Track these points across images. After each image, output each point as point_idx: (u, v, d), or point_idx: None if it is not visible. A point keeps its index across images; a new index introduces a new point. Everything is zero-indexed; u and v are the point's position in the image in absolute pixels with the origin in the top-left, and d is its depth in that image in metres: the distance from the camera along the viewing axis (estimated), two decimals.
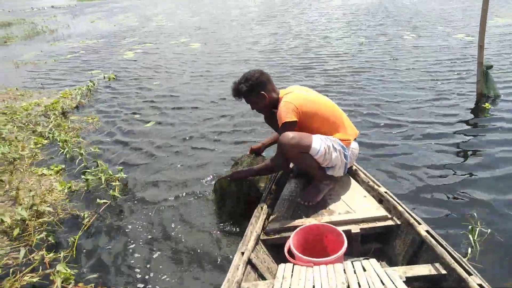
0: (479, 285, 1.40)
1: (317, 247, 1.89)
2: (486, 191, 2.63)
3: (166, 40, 10.17)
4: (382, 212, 2.03)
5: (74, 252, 2.34)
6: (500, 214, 2.38)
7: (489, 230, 2.16)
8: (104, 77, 6.78)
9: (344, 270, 1.59)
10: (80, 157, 3.39)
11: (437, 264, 1.61)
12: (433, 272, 1.59)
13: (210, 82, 5.99)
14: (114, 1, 26.70)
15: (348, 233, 1.91)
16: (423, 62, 6.03)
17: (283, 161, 2.21)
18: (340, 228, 1.87)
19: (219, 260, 2.19)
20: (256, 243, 1.94)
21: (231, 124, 4.27)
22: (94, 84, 6.12)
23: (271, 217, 2.16)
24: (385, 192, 2.13)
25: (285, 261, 1.74)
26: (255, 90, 2.29)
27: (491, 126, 3.68)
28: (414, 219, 1.86)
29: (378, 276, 1.51)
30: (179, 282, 2.07)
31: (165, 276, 2.11)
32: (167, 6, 20.27)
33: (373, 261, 1.64)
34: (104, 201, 2.81)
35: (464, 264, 1.52)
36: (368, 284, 1.47)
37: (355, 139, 2.37)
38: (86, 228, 2.56)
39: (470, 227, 2.11)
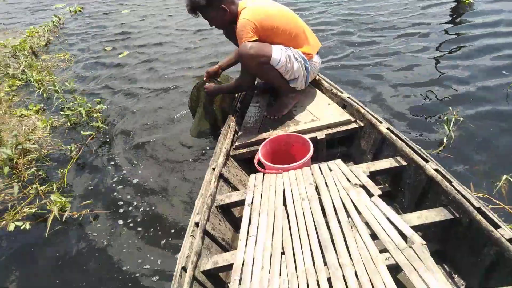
0: (435, 169, 1.49)
1: (286, 156, 1.93)
2: (463, 83, 2.69)
3: None
4: (346, 116, 2.06)
5: (65, 183, 2.43)
6: (474, 100, 2.48)
7: (461, 118, 2.26)
8: (70, 10, 6.36)
9: (311, 173, 1.65)
10: (56, 94, 3.33)
11: (398, 157, 1.68)
12: (394, 164, 1.66)
13: (177, 7, 5.67)
14: None
15: (314, 140, 1.96)
16: None
17: (249, 76, 2.16)
18: (306, 136, 1.91)
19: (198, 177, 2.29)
20: (227, 159, 1.99)
21: (202, 45, 4.15)
22: (60, 19, 5.77)
23: (239, 133, 2.18)
24: (348, 97, 2.14)
25: (256, 172, 1.79)
26: (214, 4, 2.05)
27: (470, 19, 3.62)
28: (376, 119, 1.89)
29: (343, 174, 1.59)
30: (162, 198, 2.20)
31: (151, 195, 2.24)
32: None
33: (338, 161, 1.71)
34: (89, 133, 2.84)
35: (422, 154, 1.59)
36: (334, 182, 1.55)
37: (317, 53, 2.29)
38: (75, 160, 2.63)
39: (445, 117, 2.19)
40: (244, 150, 2.07)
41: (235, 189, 1.91)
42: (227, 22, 2.15)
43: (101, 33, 5.18)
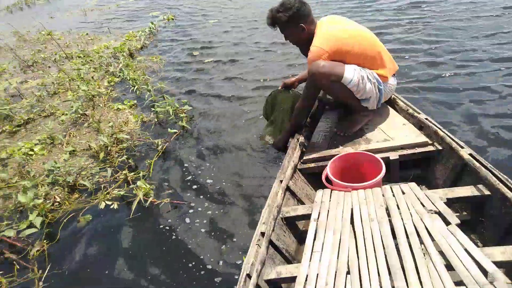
0: None
1: (355, 175, 1.87)
2: None
3: None
4: (422, 138, 1.96)
5: (151, 172, 2.65)
6: None
7: None
8: (164, 18, 6.95)
9: (382, 193, 1.57)
10: (148, 93, 3.66)
11: (480, 186, 1.55)
12: (476, 193, 1.53)
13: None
14: None
15: (386, 160, 1.87)
16: None
17: (313, 92, 2.13)
18: (378, 156, 1.84)
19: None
20: (294, 172, 1.97)
21: (290, 57, 4.26)
22: (155, 26, 6.32)
23: (308, 148, 2.16)
24: (426, 119, 2.03)
25: (324, 187, 1.76)
26: (294, 22, 2.08)
27: None
28: (457, 143, 1.78)
29: (418, 198, 1.49)
30: (231, 204, 2.27)
31: (220, 197, 2.33)
32: None
33: (412, 184, 1.60)
34: (175, 130, 3.07)
35: (509, 184, 1.46)
36: (407, 205, 1.46)
37: (394, 75, 2.24)
38: (161, 154, 2.86)
39: None
40: (312, 165, 2.06)
41: (300, 202, 1.91)
42: (303, 40, 2.16)
43: (190, 40, 5.57)
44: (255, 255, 1.43)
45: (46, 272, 2.01)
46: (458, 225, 1.32)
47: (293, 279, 1.33)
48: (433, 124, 1.98)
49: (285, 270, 1.41)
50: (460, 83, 3.09)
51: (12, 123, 3.64)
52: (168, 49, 5.36)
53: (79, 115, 3.52)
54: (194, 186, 2.47)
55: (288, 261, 1.62)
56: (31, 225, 2.24)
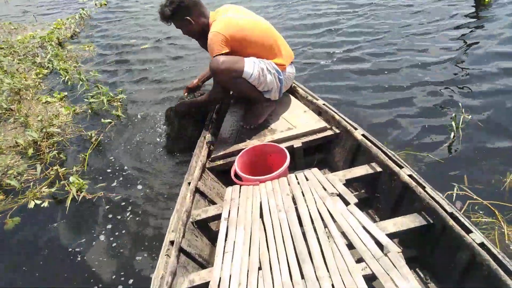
0: (409, 175, 1.50)
1: (262, 167, 1.91)
2: (476, 82, 2.68)
3: None
4: (321, 123, 2.05)
5: (86, 167, 2.54)
6: (484, 101, 2.47)
7: (470, 116, 2.28)
8: (96, 4, 6.56)
9: (288, 182, 1.64)
10: (81, 83, 3.47)
11: (373, 164, 1.68)
12: (370, 171, 1.66)
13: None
14: None
15: (290, 148, 1.94)
16: None
17: (221, 89, 2.15)
18: (283, 145, 1.91)
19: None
20: (203, 171, 1.95)
21: None
22: (86, 12, 5.95)
23: (215, 145, 2.16)
24: (323, 104, 2.13)
25: (233, 184, 1.77)
26: (179, 15, 2.08)
27: (489, 19, 3.57)
28: (351, 125, 1.90)
29: (320, 183, 1.58)
30: (141, 214, 2.12)
31: (135, 204, 2.19)
32: None
33: (315, 170, 1.70)
34: (109, 120, 2.94)
35: (396, 160, 1.60)
36: (311, 191, 1.54)
37: (291, 63, 2.28)
38: (95, 146, 2.73)
39: (453, 114, 2.19)
40: (221, 162, 2.05)
41: (212, 202, 1.87)
42: (194, 32, 2.16)
43: (124, 26, 5.32)
44: (164, 266, 1.38)
45: None
46: (356, 204, 1.43)
47: (207, 284, 1.30)
48: (330, 109, 2.07)
49: (198, 277, 1.38)
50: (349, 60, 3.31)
51: None
52: (101, 36, 5.08)
53: (4, 111, 3.25)
54: (123, 180, 2.39)
55: (203, 266, 1.58)
56: None
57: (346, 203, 1.44)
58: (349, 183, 1.64)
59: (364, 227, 1.30)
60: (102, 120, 2.93)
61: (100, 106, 3.17)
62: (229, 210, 1.58)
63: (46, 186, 2.39)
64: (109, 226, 2.06)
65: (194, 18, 2.09)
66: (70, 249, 1.96)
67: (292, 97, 2.38)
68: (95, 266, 1.84)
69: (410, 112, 2.52)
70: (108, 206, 2.19)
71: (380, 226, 1.37)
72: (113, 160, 2.58)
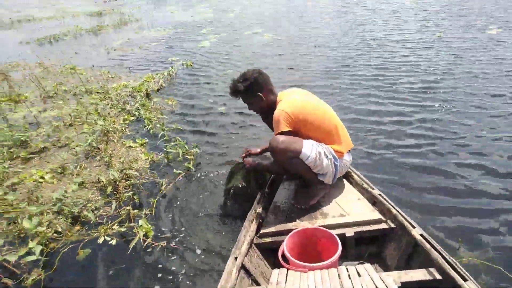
0: None
1: (312, 250, 1.88)
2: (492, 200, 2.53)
3: (239, 31, 10.56)
4: (376, 215, 2.00)
5: (154, 211, 2.72)
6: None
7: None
8: (183, 64, 7.33)
9: (338, 275, 1.57)
10: (161, 132, 3.82)
11: (432, 269, 1.58)
12: (428, 277, 1.56)
13: (280, 70, 6.21)
14: None
15: (342, 236, 1.90)
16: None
17: (280, 167, 2.22)
18: (334, 232, 1.86)
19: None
20: (250, 247, 1.91)
21: None
22: (174, 70, 6.67)
23: (265, 221, 2.14)
24: (379, 195, 2.09)
25: (280, 265, 1.72)
26: (252, 91, 2.23)
27: None
28: (408, 222, 1.83)
29: (373, 281, 1.50)
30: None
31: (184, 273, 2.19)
32: None
33: (367, 266, 1.62)
34: (179, 171, 3.17)
35: (459, 269, 1.50)
36: None
37: (349, 151, 2.32)
38: (164, 193, 2.94)
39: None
40: (269, 240, 2.01)
41: (255, 282, 1.80)
42: (262, 108, 2.31)
43: (206, 87, 5.85)
44: None
45: None
46: None
47: None
48: (386, 200, 2.02)
49: None
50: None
51: (27, 150, 3.78)
52: (184, 93, 5.62)
53: (92, 148, 3.66)
54: (191, 230, 2.52)
55: None
56: (29, 252, 2.27)
57: None
58: (404, 287, 1.54)
59: None
60: (174, 170, 3.17)
61: (175, 156, 3.44)
62: None
63: (117, 224, 2.58)
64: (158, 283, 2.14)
65: (264, 95, 2.24)
66: None
67: (346, 183, 2.37)
68: None
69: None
70: (164, 260, 2.30)
71: None
72: (177, 212, 2.74)
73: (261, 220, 2.15)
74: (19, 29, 14.26)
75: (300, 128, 2.13)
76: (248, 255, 1.86)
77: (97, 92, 5.61)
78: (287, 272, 1.65)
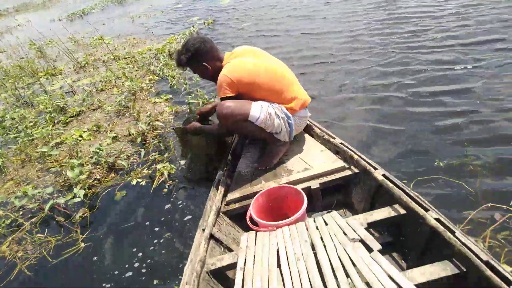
0: (436, 219, 1.41)
1: (280, 210, 1.85)
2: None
3: None
4: (339, 163, 1.99)
5: (175, 153, 2.97)
6: None
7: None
8: (204, 22, 7.37)
9: (306, 228, 1.55)
10: (184, 86, 4.01)
11: (396, 206, 1.60)
12: (393, 213, 1.58)
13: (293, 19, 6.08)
14: None
15: (308, 189, 1.88)
16: None
17: (225, 130, 2.18)
18: (300, 186, 1.86)
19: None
20: (217, 216, 1.88)
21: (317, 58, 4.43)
22: (195, 29, 6.74)
23: (231, 187, 2.10)
24: (341, 143, 2.07)
25: (250, 229, 1.69)
26: (196, 61, 2.14)
27: None
28: (371, 165, 1.82)
29: (340, 227, 1.49)
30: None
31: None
32: None
33: (334, 213, 1.61)
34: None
35: (421, 202, 1.51)
36: (331, 237, 1.45)
37: (306, 107, 2.24)
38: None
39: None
40: (236, 206, 1.98)
41: (228, 249, 1.77)
42: (210, 76, 2.22)
43: (225, 42, 5.90)
44: None
45: (86, 234, 2.36)
46: (381, 250, 1.33)
47: None
48: (348, 148, 2.01)
49: None
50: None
51: (66, 115, 4.14)
52: None
53: (122, 107, 3.93)
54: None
55: None
56: (75, 197, 2.59)
57: (369, 249, 1.34)
58: (371, 227, 1.58)
59: (390, 276, 1.20)
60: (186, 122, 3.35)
61: (197, 107, 3.62)
62: (245, 259, 1.49)
63: (146, 168, 2.85)
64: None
65: (210, 64, 2.15)
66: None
67: (308, 136, 2.34)
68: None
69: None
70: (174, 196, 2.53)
71: (408, 276, 1.28)
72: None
73: (226, 188, 2.12)
74: (51, 8, 14.79)
75: (247, 91, 2.08)
76: (217, 224, 1.84)
77: (124, 58, 5.86)
78: (256, 234, 1.63)
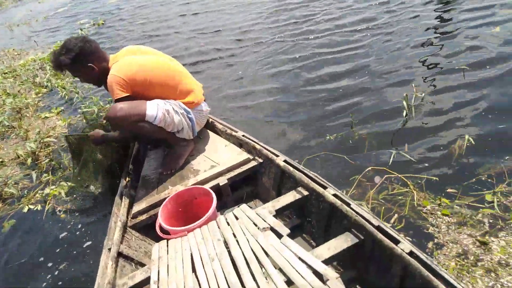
0: (334, 195, 1.50)
1: (191, 212, 1.79)
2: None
3: None
4: (244, 156, 2.00)
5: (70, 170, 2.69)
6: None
7: (423, 94, 2.43)
8: (94, 24, 6.89)
9: (218, 226, 1.53)
10: (76, 95, 3.71)
11: (299, 188, 1.66)
12: (298, 196, 1.63)
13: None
14: None
15: (217, 187, 1.87)
16: None
17: (128, 133, 2.07)
18: (208, 185, 1.84)
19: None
20: (124, 232, 1.75)
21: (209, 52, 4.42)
22: (84, 32, 6.26)
23: (136, 199, 1.98)
24: (243, 136, 2.09)
25: (159, 241, 1.61)
26: (80, 62, 1.95)
27: None
28: (273, 153, 1.87)
29: (250, 219, 1.50)
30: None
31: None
32: None
33: (243, 206, 1.61)
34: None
35: (320, 181, 1.59)
36: (242, 230, 1.44)
37: (204, 101, 2.22)
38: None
39: (404, 94, 2.31)
40: (144, 217, 1.85)
41: (141, 264, 1.67)
42: (95, 78, 2.06)
43: (119, 40, 5.59)
44: None
45: None
46: (290, 234, 1.36)
47: None
48: (250, 139, 2.04)
49: None
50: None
51: None
52: None
53: (6, 128, 3.51)
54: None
55: None
56: None
57: (279, 235, 1.36)
58: (280, 213, 1.61)
59: (300, 258, 1.24)
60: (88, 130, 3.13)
61: (92, 115, 3.39)
62: (158, 271, 1.41)
63: (39, 191, 2.57)
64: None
65: (96, 65, 1.99)
66: None
67: (211, 133, 2.32)
68: None
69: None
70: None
71: (316, 254, 1.33)
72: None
73: (131, 200, 1.99)
74: None
75: (141, 90, 1.97)
76: (124, 241, 1.71)
77: (4, 73, 5.23)
78: (167, 242, 1.56)
